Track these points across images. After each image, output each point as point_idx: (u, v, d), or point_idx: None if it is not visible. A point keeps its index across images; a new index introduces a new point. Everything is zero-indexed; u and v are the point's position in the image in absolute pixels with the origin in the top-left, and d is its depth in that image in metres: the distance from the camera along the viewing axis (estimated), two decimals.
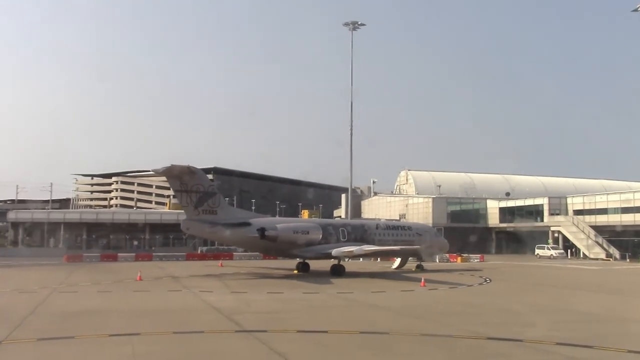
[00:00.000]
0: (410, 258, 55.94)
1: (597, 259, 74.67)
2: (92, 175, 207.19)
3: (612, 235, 78.30)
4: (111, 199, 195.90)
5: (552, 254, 78.17)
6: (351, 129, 77.14)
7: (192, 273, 47.36)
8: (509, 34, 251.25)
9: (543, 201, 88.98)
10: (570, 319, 24.10)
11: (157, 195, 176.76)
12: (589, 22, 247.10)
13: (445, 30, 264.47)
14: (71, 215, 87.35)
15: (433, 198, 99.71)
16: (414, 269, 53.50)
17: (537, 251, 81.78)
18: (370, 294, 33.45)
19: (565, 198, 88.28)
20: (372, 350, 17.26)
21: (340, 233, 48.79)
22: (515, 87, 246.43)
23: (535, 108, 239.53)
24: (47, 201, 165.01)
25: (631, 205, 75.63)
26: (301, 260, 49.22)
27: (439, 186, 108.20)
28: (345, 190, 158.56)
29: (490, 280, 43.45)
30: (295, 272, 49.08)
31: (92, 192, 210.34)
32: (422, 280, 38.57)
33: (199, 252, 77.45)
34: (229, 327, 20.42)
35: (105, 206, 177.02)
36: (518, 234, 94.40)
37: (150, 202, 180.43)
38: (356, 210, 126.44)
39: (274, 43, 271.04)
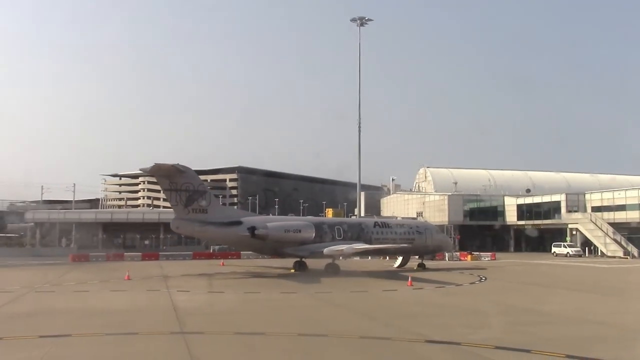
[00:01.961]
0: (414, 256, 55.14)
1: (614, 257, 72.48)
2: (120, 176, 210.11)
3: (631, 233, 75.90)
4: (138, 198, 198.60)
5: (568, 252, 76.05)
6: (359, 127, 76.30)
7: (187, 272, 47.23)
8: (527, 28, 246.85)
9: (560, 198, 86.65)
10: (532, 320, 23.00)
11: None
12: (604, 14, 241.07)
13: (461, 26, 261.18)
14: (86, 215, 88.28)
15: (449, 195, 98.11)
16: (415, 268, 52.60)
17: (553, 249, 79.68)
18: (347, 294, 32.71)
19: (584, 194, 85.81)
20: (296, 354, 16.71)
21: (336, 231, 48.08)
22: (540, 82, 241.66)
23: (560, 103, 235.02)
24: (78, 201, 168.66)
25: None
26: (298, 260, 48.68)
27: (455, 183, 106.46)
28: (367, 188, 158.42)
29: (485, 279, 42.36)
30: (293, 271, 48.61)
31: (120, 192, 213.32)
32: (409, 280, 37.66)
33: (211, 250, 77.51)
34: (168, 329, 20.00)
35: (133, 206, 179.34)
36: (537, 231, 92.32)
37: None
38: (376, 208, 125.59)
39: (293, 41, 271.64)
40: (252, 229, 43.48)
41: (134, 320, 22.53)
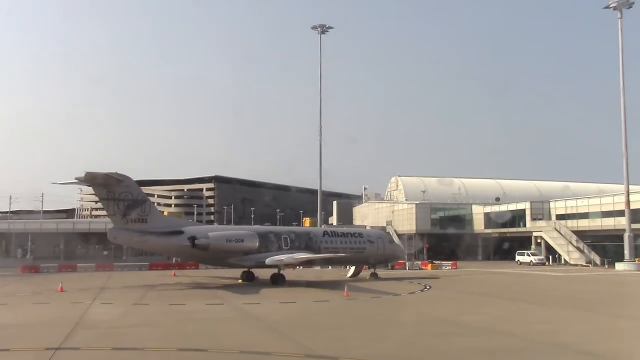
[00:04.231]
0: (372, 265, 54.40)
1: (576, 265, 72.20)
2: None
3: (594, 240, 75.74)
4: None
5: (531, 261, 75.67)
6: (320, 134, 75.70)
7: (131, 284, 45.84)
8: (503, 33, 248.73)
9: (525, 206, 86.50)
10: (438, 332, 22.36)
11: (158, 204, 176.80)
12: (579, 21, 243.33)
13: (434, 32, 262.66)
14: (48, 225, 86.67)
15: (416, 204, 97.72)
16: (368, 277, 51.94)
17: (517, 257, 79.33)
18: (275, 305, 31.92)
19: (548, 202, 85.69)
20: None
21: (283, 241, 47.20)
22: (512, 88, 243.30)
23: (536, 111, 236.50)
24: (54, 211, 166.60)
25: (611, 209, 72.90)
26: (246, 270, 47.80)
27: (424, 191, 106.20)
28: (346, 197, 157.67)
29: (429, 288, 41.79)
30: (240, 281, 47.72)
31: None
32: (345, 290, 36.78)
33: (173, 261, 76.02)
34: (47, 344, 18.97)
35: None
36: (504, 239, 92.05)
37: None
38: (348, 217, 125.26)
39: (274, 49, 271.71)
40: (192, 239, 42.49)
41: (21, 335, 21.60)
